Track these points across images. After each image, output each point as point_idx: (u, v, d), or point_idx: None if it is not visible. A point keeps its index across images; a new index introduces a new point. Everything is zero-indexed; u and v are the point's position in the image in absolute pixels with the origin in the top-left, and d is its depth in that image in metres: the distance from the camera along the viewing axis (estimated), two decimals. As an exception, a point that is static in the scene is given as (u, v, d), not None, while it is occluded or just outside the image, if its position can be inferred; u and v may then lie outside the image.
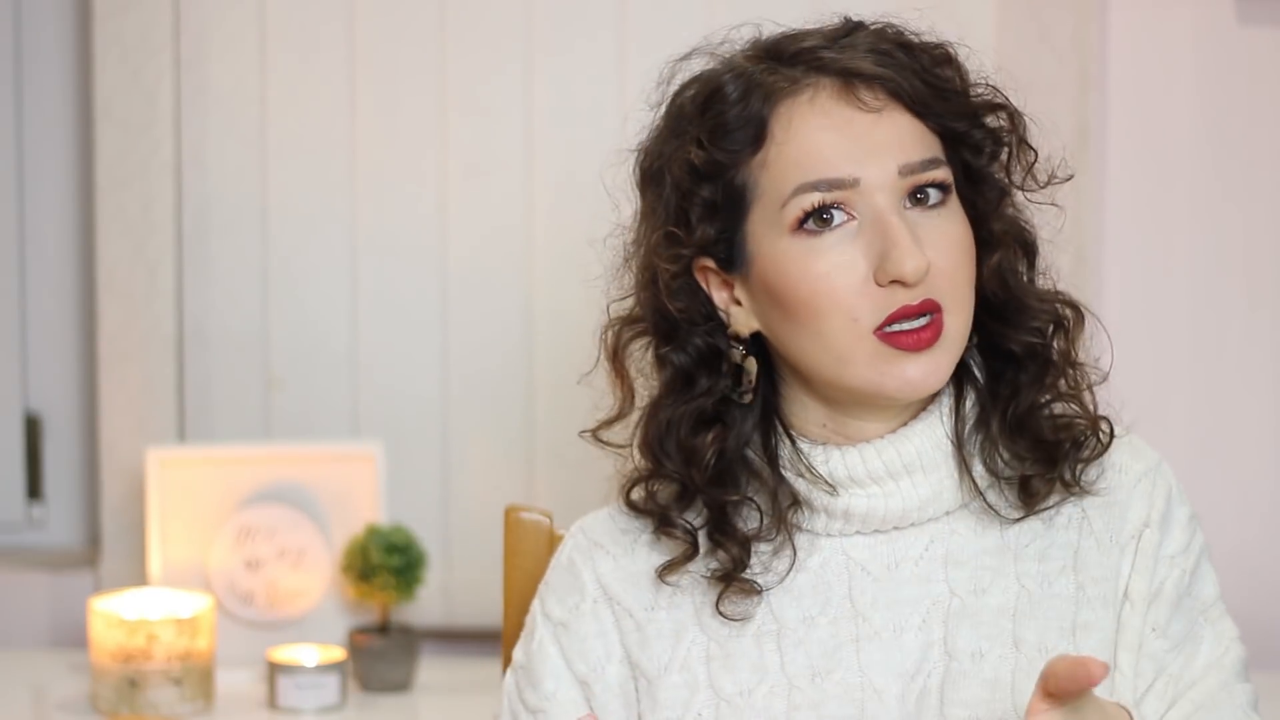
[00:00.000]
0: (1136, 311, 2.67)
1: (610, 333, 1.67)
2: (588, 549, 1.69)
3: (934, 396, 1.64)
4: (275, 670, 2.54)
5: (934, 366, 1.57)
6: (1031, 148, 1.64)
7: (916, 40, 1.61)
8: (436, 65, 2.74)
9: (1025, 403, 1.63)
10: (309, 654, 2.55)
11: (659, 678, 1.63)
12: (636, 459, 1.67)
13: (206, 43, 2.75)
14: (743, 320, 1.62)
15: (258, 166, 2.77)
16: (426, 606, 2.73)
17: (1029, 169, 1.64)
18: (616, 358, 1.66)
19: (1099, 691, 1.57)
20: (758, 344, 1.63)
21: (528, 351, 2.75)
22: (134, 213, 2.74)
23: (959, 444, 1.63)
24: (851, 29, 1.61)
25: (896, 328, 1.56)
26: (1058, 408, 1.65)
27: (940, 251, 1.57)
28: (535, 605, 1.70)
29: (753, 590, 1.62)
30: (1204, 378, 2.68)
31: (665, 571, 1.64)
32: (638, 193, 1.66)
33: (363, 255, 2.77)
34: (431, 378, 2.77)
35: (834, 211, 1.56)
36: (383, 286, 2.77)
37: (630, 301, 1.66)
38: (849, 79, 1.57)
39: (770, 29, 1.64)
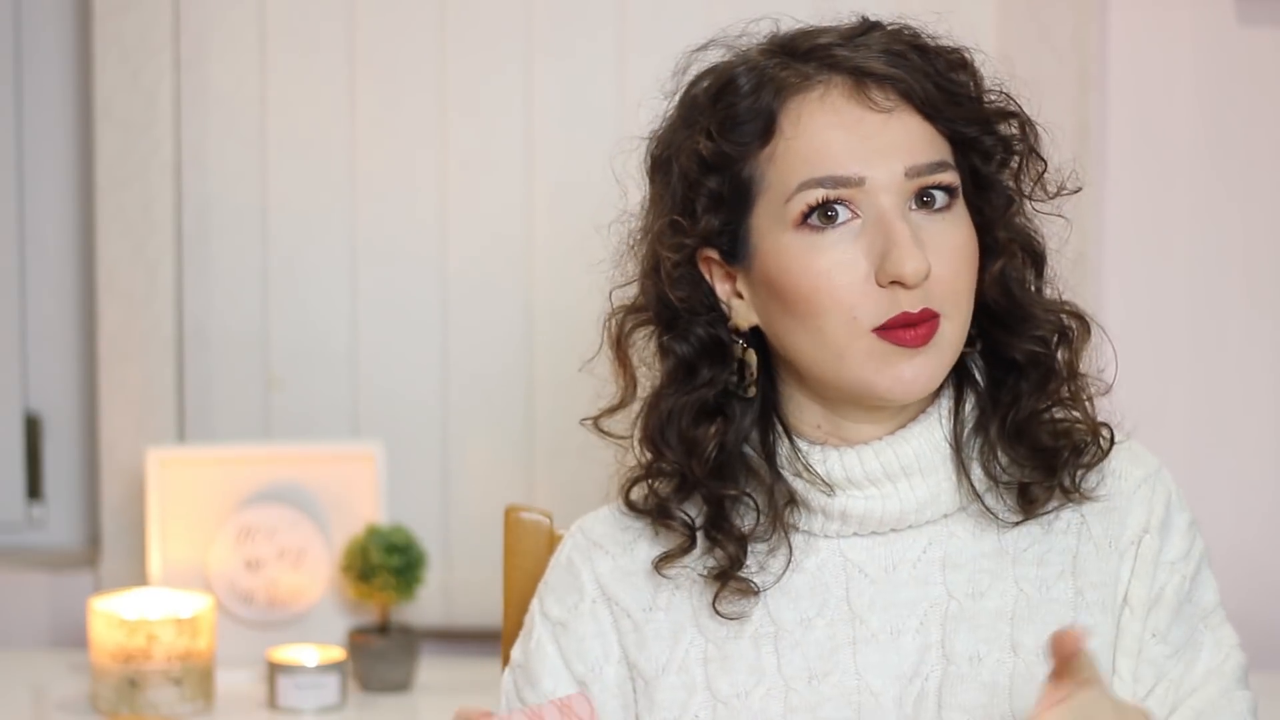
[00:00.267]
0: (1136, 311, 2.67)
1: (614, 320, 1.67)
2: (587, 549, 1.69)
3: (933, 399, 1.63)
4: (275, 670, 2.54)
5: (927, 369, 1.57)
6: (1041, 157, 1.64)
7: (932, 43, 1.61)
8: (436, 65, 2.74)
9: (1025, 410, 1.62)
10: (309, 654, 2.55)
11: (656, 678, 1.63)
12: (637, 451, 1.67)
13: (206, 43, 2.75)
14: (743, 314, 1.62)
15: (258, 166, 2.77)
16: (426, 606, 2.73)
17: (1038, 179, 1.64)
18: (619, 346, 1.66)
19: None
20: (757, 339, 1.63)
21: (528, 352, 2.75)
22: (134, 213, 2.74)
23: (957, 447, 1.62)
24: (868, 28, 1.61)
25: (896, 327, 1.56)
26: (1057, 413, 1.64)
27: (942, 256, 1.56)
28: (534, 604, 1.70)
29: (749, 590, 1.62)
30: (1204, 378, 2.68)
31: (662, 563, 1.64)
32: (647, 180, 1.66)
33: (362, 255, 2.77)
34: (431, 378, 2.77)
35: (838, 209, 1.56)
36: (382, 287, 2.77)
37: (634, 291, 1.66)
38: (861, 78, 1.57)
39: (788, 24, 1.64)
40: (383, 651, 2.60)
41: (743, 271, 1.61)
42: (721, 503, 1.63)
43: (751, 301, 1.62)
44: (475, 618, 2.75)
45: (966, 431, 1.63)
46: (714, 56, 1.64)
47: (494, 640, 2.52)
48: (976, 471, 1.63)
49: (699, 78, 1.63)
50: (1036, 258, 1.64)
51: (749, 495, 1.63)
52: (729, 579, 1.62)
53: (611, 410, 1.67)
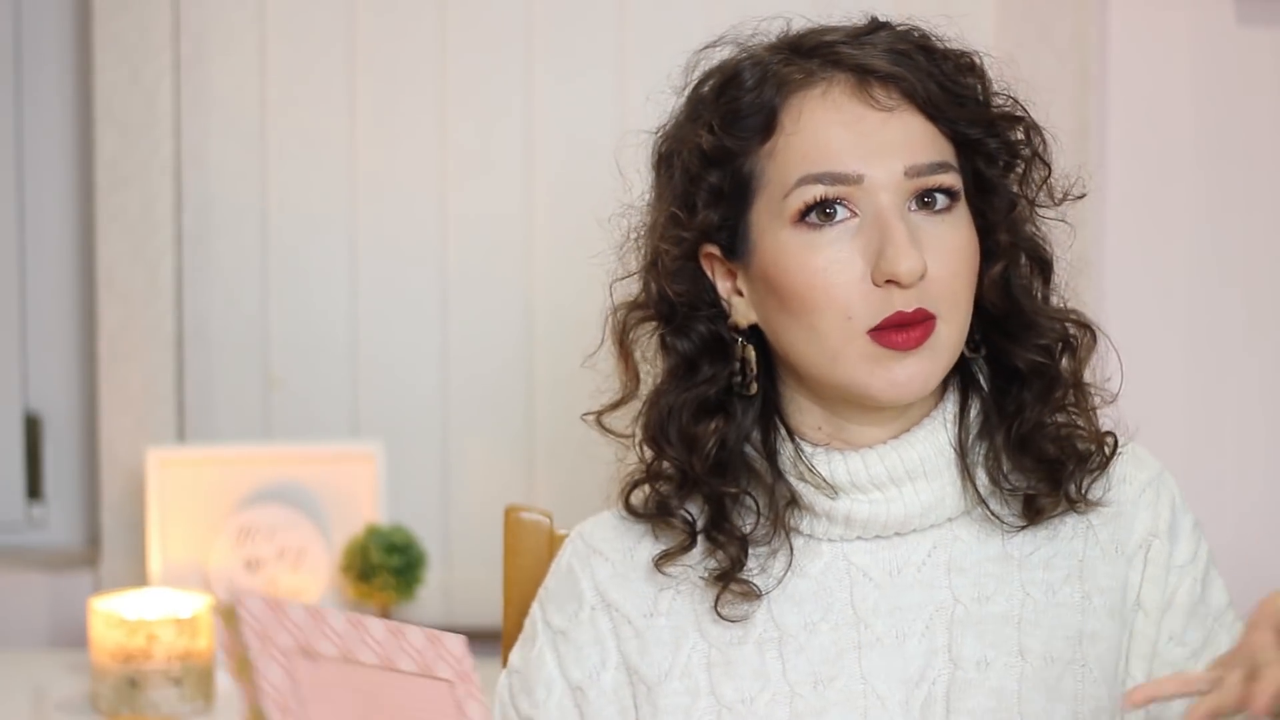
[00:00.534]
0: (1136, 311, 2.67)
1: (616, 316, 1.66)
2: (586, 555, 1.68)
3: (937, 403, 1.63)
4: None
5: (922, 371, 1.56)
6: (1045, 163, 1.63)
7: (940, 46, 1.60)
8: (436, 65, 2.74)
9: (1030, 422, 1.62)
10: (309, 654, 2.55)
11: (659, 684, 1.62)
12: (638, 448, 1.66)
13: (206, 43, 2.75)
14: (743, 311, 1.62)
15: (258, 166, 2.77)
16: (426, 606, 2.73)
17: (1042, 184, 1.63)
18: (622, 341, 1.66)
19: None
20: (758, 337, 1.63)
21: (528, 351, 2.75)
22: (134, 213, 2.74)
23: (962, 452, 1.62)
24: (875, 28, 1.61)
25: (889, 329, 1.56)
26: (1060, 419, 1.64)
27: (940, 258, 1.56)
28: (536, 610, 1.70)
29: (751, 593, 1.61)
30: (1203, 377, 2.68)
31: (663, 560, 1.64)
32: (653, 174, 1.66)
33: (363, 255, 2.77)
34: (431, 378, 2.77)
35: (837, 207, 1.56)
36: (383, 286, 2.77)
37: (637, 287, 1.66)
38: (864, 76, 1.57)
39: (800, 24, 1.64)
40: (383, 651, 2.60)
41: (742, 268, 1.61)
42: (722, 502, 1.63)
43: (750, 299, 1.62)
44: (475, 618, 2.75)
45: (971, 437, 1.63)
46: (724, 54, 1.64)
47: (494, 640, 2.52)
48: (981, 477, 1.63)
49: (706, 74, 1.63)
50: (1043, 265, 1.64)
51: (750, 495, 1.63)
52: (730, 581, 1.62)
53: (613, 406, 1.67)
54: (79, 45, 2.81)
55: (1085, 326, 1.65)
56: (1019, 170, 1.62)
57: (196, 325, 2.78)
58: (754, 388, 1.63)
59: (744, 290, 1.62)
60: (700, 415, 1.63)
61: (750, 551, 1.62)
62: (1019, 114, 1.62)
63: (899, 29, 1.61)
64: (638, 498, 1.67)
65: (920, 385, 1.57)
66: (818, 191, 1.56)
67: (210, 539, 2.65)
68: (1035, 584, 1.61)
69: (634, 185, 1.67)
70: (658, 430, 1.64)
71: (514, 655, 1.70)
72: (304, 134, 2.76)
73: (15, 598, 2.81)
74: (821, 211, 1.56)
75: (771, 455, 1.63)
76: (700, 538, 1.64)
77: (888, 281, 1.55)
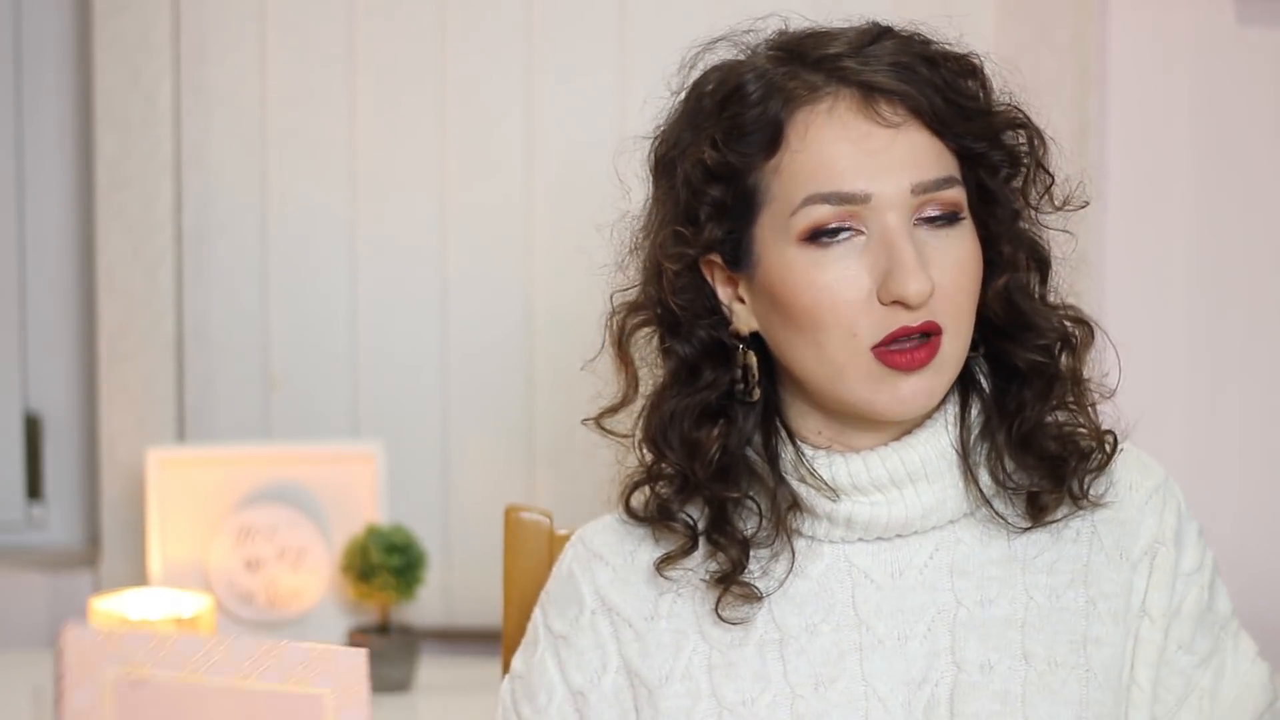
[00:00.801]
0: (1136, 310, 2.67)
1: (615, 319, 1.66)
2: (587, 560, 1.68)
3: (938, 405, 1.63)
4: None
5: (926, 387, 1.56)
6: (1048, 172, 1.63)
7: (941, 51, 1.59)
8: (436, 65, 2.74)
9: (1031, 421, 1.62)
10: (309, 654, 2.55)
11: (660, 687, 1.62)
12: (638, 451, 1.66)
13: (206, 43, 2.75)
14: (744, 319, 1.62)
15: (258, 166, 2.77)
16: (426, 606, 2.73)
17: (1045, 191, 1.63)
18: (621, 345, 1.66)
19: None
20: (758, 343, 1.63)
21: (528, 351, 2.75)
22: (134, 213, 2.74)
23: (964, 453, 1.62)
24: (878, 35, 1.59)
25: (893, 346, 1.55)
26: (1061, 415, 1.64)
27: (946, 273, 1.56)
28: (537, 615, 1.70)
29: (752, 595, 1.61)
30: (1203, 376, 2.68)
31: (664, 564, 1.64)
32: (651, 177, 1.65)
33: (363, 255, 2.77)
34: (431, 378, 2.77)
35: (842, 227, 1.56)
36: (383, 286, 2.77)
37: (635, 291, 1.66)
38: (869, 92, 1.56)
39: (798, 23, 1.63)
40: (383, 651, 2.60)
41: (745, 278, 1.61)
42: (724, 506, 1.63)
43: (753, 308, 1.61)
44: (475, 618, 2.75)
45: (973, 437, 1.63)
46: (721, 54, 1.63)
47: (494, 640, 2.52)
48: (984, 477, 1.62)
49: (705, 76, 1.62)
50: (1041, 264, 1.64)
51: (751, 499, 1.63)
52: (731, 583, 1.61)
53: (613, 410, 1.67)
54: (79, 45, 2.81)
55: (1082, 322, 1.64)
56: (1021, 178, 1.62)
57: (196, 325, 2.78)
58: (756, 394, 1.62)
59: (745, 298, 1.62)
60: (702, 421, 1.63)
61: (751, 554, 1.62)
62: (1020, 120, 1.62)
63: (901, 36, 1.59)
64: (638, 500, 1.67)
65: (925, 401, 1.57)
66: (824, 211, 1.55)
67: (210, 539, 2.65)
68: (1039, 588, 1.61)
69: (633, 191, 1.67)
70: (659, 434, 1.64)
71: (516, 660, 1.70)
72: (304, 134, 2.76)
73: (15, 598, 2.82)
74: (827, 230, 1.56)
75: (773, 459, 1.63)
76: (701, 540, 1.64)
77: (894, 301, 1.54)
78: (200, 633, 1.44)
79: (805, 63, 1.58)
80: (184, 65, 2.75)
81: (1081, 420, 1.64)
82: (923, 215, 1.56)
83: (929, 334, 1.55)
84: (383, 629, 2.63)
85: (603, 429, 1.67)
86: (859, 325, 1.55)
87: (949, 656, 1.59)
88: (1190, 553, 1.64)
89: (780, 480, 1.62)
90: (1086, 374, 1.65)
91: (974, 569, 1.62)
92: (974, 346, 1.62)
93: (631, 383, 1.66)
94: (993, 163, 1.60)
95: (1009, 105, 1.62)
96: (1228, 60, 2.65)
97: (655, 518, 1.65)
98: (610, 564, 1.67)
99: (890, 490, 1.61)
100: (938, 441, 1.62)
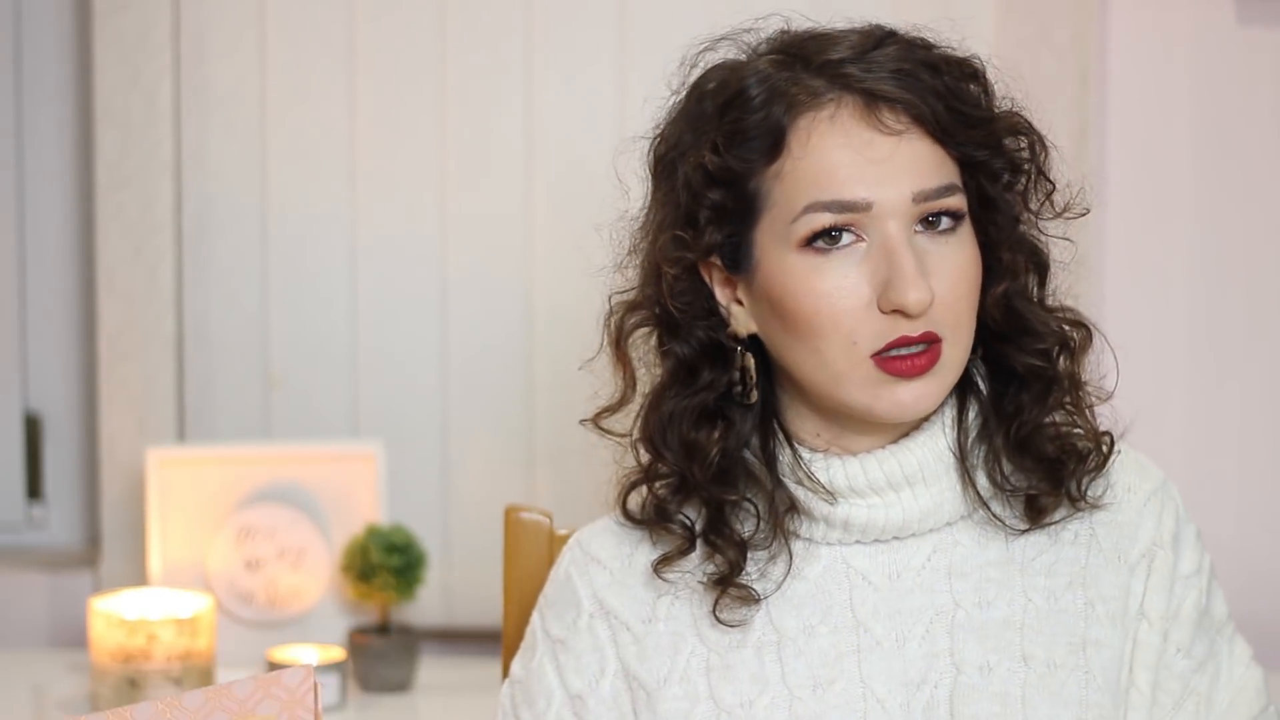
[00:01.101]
0: (1136, 310, 2.67)
1: (614, 319, 1.66)
2: (584, 563, 1.68)
3: (936, 408, 1.63)
4: (275, 670, 2.53)
5: (926, 392, 1.56)
6: (1049, 179, 1.63)
7: (943, 56, 1.59)
8: (436, 65, 2.74)
9: (1029, 424, 1.62)
10: (309, 654, 2.55)
11: (659, 689, 1.62)
12: (635, 452, 1.66)
13: (206, 43, 2.75)
14: (743, 321, 1.62)
15: (258, 166, 2.77)
16: (426, 606, 2.73)
17: (1046, 197, 1.63)
18: (619, 345, 1.65)
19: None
20: (756, 345, 1.63)
21: (528, 351, 2.75)
22: (134, 213, 2.74)
23: (961, 456, 1.62)
24: (881, 39, 1.58)
25: (893, 354, 1.55)
26: (1059, 416, 1.64)
27: (946, 280, 1.56)
28: (535, 619, 1.70)
29: (750, 597, 1.61)
30: (1203, 376, 2.68)
31: (661, 565, 1.64)
32: (650, 177, 1.65)
33: (363, 255, 2.77)
34: (431, 378, 2.77)
35: (843, 232, 1.55)
36: (383, 286, 2.77)
37: (634, 292, 1.66)
38: (872, 99, 1.56)
39: (799, 23, 1.63)
40: (383, 651, 2.60)
41: (744, 281, 1.61)
42: (721, 507, 1.63)
43: (751, 311, 1.61)
44: (475, 618, 2.75)
45: (970, 440, 1.63)
46: (723, 53, 1.62)
47: (494, 640, 2.52)
48: (981, 479, 1.62)
49: (706, 75, 1.61)
50: (1040, 268, 1.64)
51: (749, 501, 1.63)
52: (729, 585, 1.61)
53: (611, 409, 1.67)
54: (79, 45, 2.81)
55: (1081, 325, 1.64)
56: (1022, 184, 1.61)
57: (196, 325, 2.78)
58: (754, 396, 1.62)
59: (744, 301, 1.61)
60: (701, 422, 1.62)
61: (749, 556, 1.62)
62: (1022, 126, 1.61)
63: (904, 40, 1.59)
64: (635, 502, 1.67)
65: (926, 406, 1.57)
66: (825, 219, 1.55)
67: (210, 539, 2.65)
68: (1037, 590, 1.61)
69: (632, 192, 1.67)
70: (657, 435, 1.64)
71: (515, 664, 1.70)
72: (304, 134, 2.76)
73: (15, 598, 2.82)
74: (828, 236, 1.55)
75: (771, 461, 1.63)
76: (699, 542, 1.63)
77: (894, 310, 1.54)
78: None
79: (808, 67, 1.57)
80: (184, 65, 2.75)
81: (1079, 422, 1.64)
82: (923, 222, 1.56)
83: (928, 342, 1.55)
84: (383, 629, 2.63)
85: (600, 429, 1.67)
86: (859, 333, 1.55)
87: (948, 658, 1.59)
88: (1188, 556, 1.64)
89: (778, 482, 1.62)
90: (1085, 376, 1.64)
91: (972, 571, 1.62)
92: (972, 349, 1.62)
93: (629, 382, 1.66)
94: (994, 170, 1.59)
95: (1011, 111, 1.62)
96: (1228, 60, 2.65)
97: (652, 518, 1.65)
98: (607, 567, 1.67)
99: (888, 493, 1.61)
100: (935, 444, 1.61)
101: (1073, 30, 2.64)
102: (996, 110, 1.61)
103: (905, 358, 1.55)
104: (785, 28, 1.62)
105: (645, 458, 1.66)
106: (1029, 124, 1.62)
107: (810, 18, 1.64)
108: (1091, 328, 1.65)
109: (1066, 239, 1.65)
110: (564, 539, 1.75)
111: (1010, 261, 1.61)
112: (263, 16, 2.75)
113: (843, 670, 1.59)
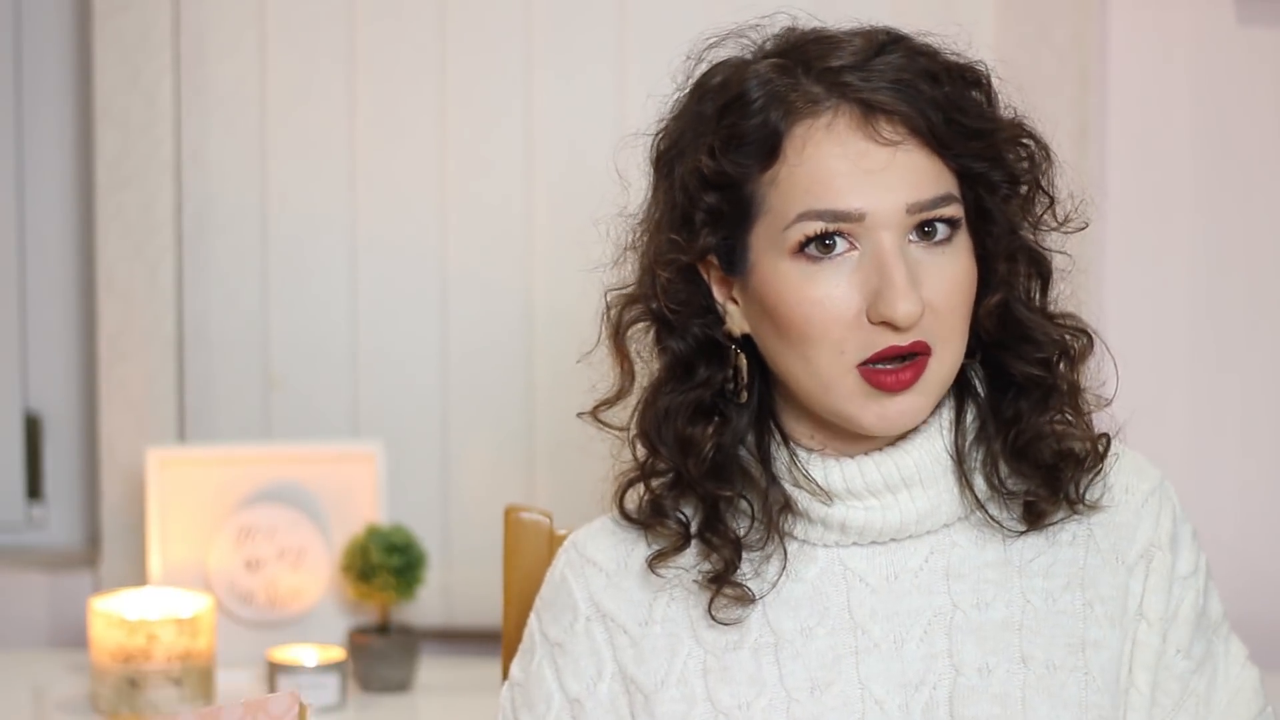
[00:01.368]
0: (1136, 312, 2.67)
1: (612, 313, 1.66)
2: (580, 566, 1.68)
3: (934, 410, 1.63)
4: (275, 670, 2.54)
5: (912, 406, 1.56)
6: (1047, 193, 1.62)
7: (946, 63, 1.58)
8: (436, 65, 2.74)
9: (1028, 431, 1.61)
10: (309, 654, 2.56)
11: (656, 692, 1.62)
12: (632, 448, 1.66)
13: (206, 43, 2.75)
14: (737, 321, 1.62)
15: (258, 166, 2.77)
16: (426, 606, 2.73)
17: (1045, 211, 1.62)
18: (618, 338, 1.65)
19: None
20: (751, 344, 1.63)
21: (527, 351, 2.75)
22: (134, 213, 2.74)
23: (959, 458, 1.62)
24: (884, 46, 1.58)
25: (879, 366, 1.55)
26: (1057, 418, 1.63)
27: (938, 291, 1.56)
28: (533, 621, 1.70)
29: (745, 597, 1.61)
30: (1204, 377, 2.68)
31: (656, 560, 1.64)
32: (653, 171, 1.64)
33: (363, 255, 2.77)
34: (431, 378, 2.77)
35: (837, 240, 1.55)
36: (383, 286, 2.77)
37: (631, 282, 1.66)
38: (869, 110, 1.55)
39: (806, 21, 1.62)
40: (383, 651, 2.60)
41: (739, 282, 1.61)
42: (717, 505, 1.63)
43: (745, 312, 1.61)
44: (475, 618, 2.75)
45: (967, 443, 1.62)
46: (729, 49, 1.62)
47: (494, 640, 2.52)
48: (979, 482, 1.62)
49: (710, 72, 1.61)
50: (1043, 276, 1.63)
51: (744, 498, 1.63)
52: (724, 584, 1.61)
53: (608, 402, 1.67)
54: (79, 45, 2.81)
55: (1082, 332, 1.64)
56: (1021, 196, 1.61)
57: (196, 325, 2.78)
58: (744, 395, 1.62)
59: (739, 301, 1.62)
60: (696, 418, 1.63)
61: (744, 555, 1.62)
62: (1024, 138, 1.61)
63: (908, 47, 1.58)
64: (632, 500, 1.67)
65: (911, 419, 1.57)
66: (818, 227, 1.55)
67: (210, 539, 2.65)
68: (1035, 591, 1.61)
69: (633, 188, 1.67)
70: (653, 431, 1.64)
71: (514, 667, 1.70)
72: (304, 134, 2.76)
73: (15, 598, 2.82)
74: (820, 244, 1.55)
75: (766, 459, 1.63)
76: (695, 541, 1.63)
77: (884, 321, 1.54)
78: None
79: (808, 73, 1.57)
80: (184, 65, 2.75)
81: (1077, 426, 1.63)
82: (919, 232, 1.56)
83: (916, 354, 1.55)
84: (383, 629, 2.63)
85: (599, 422, 1.67)
86: (847, 342, 1.55)
87: (947, 659, 1.59)
88: (1186, 556, 1.64)
89: (772, 481, 1.62)
90: (1085, 383, 1.64)
91: (970, 572, 1.61)
92: (970, 353, 1.62)
93: (627, 376, 1.66)
94: (992, 182, 1.59)
95: (1014, 121, 1.61)
96: (1228, 60, 2.65)
97: (649, 515, 1.65)
98: (603, 570, 1.67)
99: (885, 495, 1.61)
100: (932, 446, 1.61)
101: (1073, 30, 2.64)
102: (999, 120, 1.60)
103: (890, 372, 1.55)
104: (792, 26, 1.62)
105: (642, 453, 1.65)
106: (1032, 134, 1.61)
107: (816, 17, 1.64)
108: (1093, 335, 1.64)
109: (1064, 253, 1.64)
110: (564, 539, 1.75)
111: (1006, 273, 1.60)
112: (263, 16, 2.75)
113: (840, 672, 1.59)
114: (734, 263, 1.60)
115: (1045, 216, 1.62)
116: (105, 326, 2.76)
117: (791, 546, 1.63)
